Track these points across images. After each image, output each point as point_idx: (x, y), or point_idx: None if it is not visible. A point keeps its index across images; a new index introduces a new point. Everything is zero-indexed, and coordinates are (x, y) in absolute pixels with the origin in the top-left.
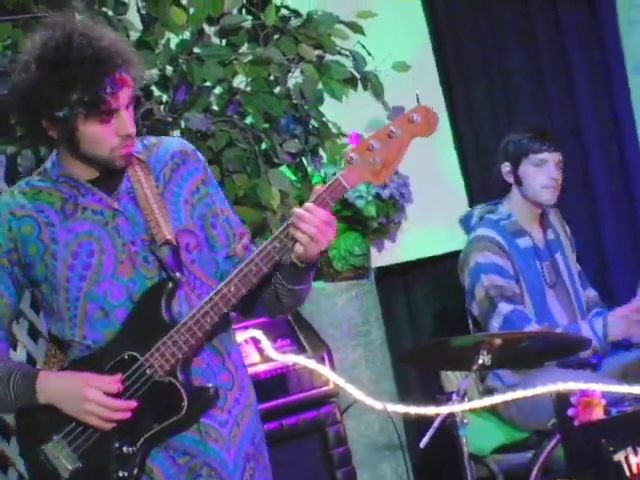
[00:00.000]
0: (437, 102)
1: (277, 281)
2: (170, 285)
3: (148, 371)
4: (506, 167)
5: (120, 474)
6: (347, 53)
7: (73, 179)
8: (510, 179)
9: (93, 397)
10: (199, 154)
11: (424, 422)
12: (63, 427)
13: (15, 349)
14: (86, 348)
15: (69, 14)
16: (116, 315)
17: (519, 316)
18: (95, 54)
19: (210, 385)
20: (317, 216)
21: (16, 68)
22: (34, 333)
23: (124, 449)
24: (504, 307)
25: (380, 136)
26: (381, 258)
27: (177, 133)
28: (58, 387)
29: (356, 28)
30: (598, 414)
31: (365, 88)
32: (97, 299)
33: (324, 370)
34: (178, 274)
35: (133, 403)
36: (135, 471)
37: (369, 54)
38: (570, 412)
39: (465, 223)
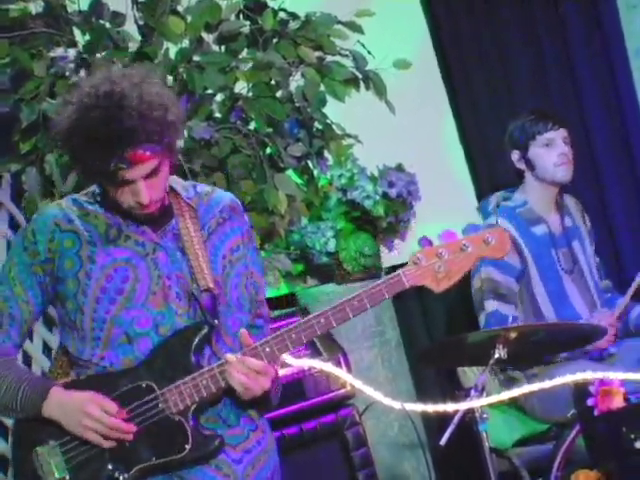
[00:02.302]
0: (440, 99)
1: None
2: (206, 330)
3: (161, 405)
4: (515, 155)
5: None
6: (347, 53)
7: (121, 210)
8: (522, 166)
9: (91, 412)
10: (245, 216)
11: (443, 419)
12: (62, 435)
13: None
14: (101, 369)
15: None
16: (139, 343)
17: (497, 318)
18: (117, 129)
19: (217, 434)
20: (248, 366)
21: (67, 100)
22: (48, 350)
23: (116, 474)
24: (489, 305)
25: (452, 247)
26: (392, 257)
27: (181, 143)
28: (63, 403)
29: (355, 28)
30: (618, 402)
31: (367, 87)
32: (123, 324)
33: (340, 373)
34: (216, 321)
35: (131, 426)
36: None
37: (369, 53)
38: (590, 402)
39: (482, 210)
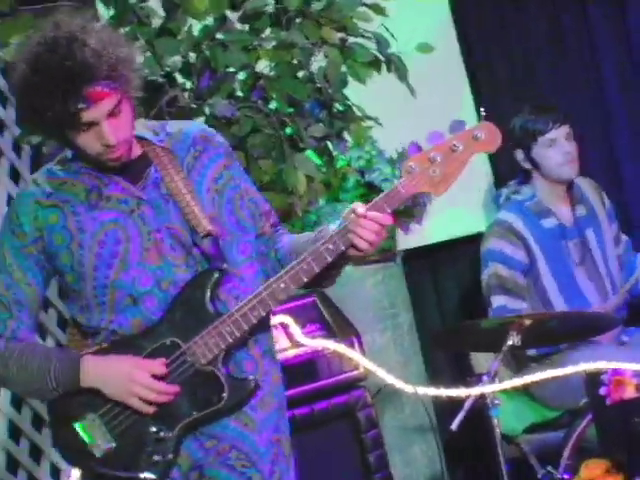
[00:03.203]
0: (461, 83)
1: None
2: (216, 275)
3: (190, 358)
4: (519, 154)
5: (155, 458)
6: (370, 35)
7: (95, 170)
8: (527, 165)
9: (141, 379)
10: (219, 137)
11: (454, 404)
12: (99, 407)
13: (44, 339)
14: (111, 333)
15: (72, 11)
16: (144, 302)
17: (502, 314)
18: (71, 66)
19: (251, 377)
20: (377, 221)
21: (15, 62)
22: (63, 322)
23: (161, 434)
24: (495, 300)
25: (442, 149)
26: (407, 241)
27: (202, 119)
28: (103, 370)
29: (378, 10)
30: (630, 392)
31: (389, 70)
32: (125, 286)
33: (353, 354)
34: (225, 265)
35: (176, 387)
36: (170, 456)
37: (392, 36)
38: (602, 391)
39: (496, 201)
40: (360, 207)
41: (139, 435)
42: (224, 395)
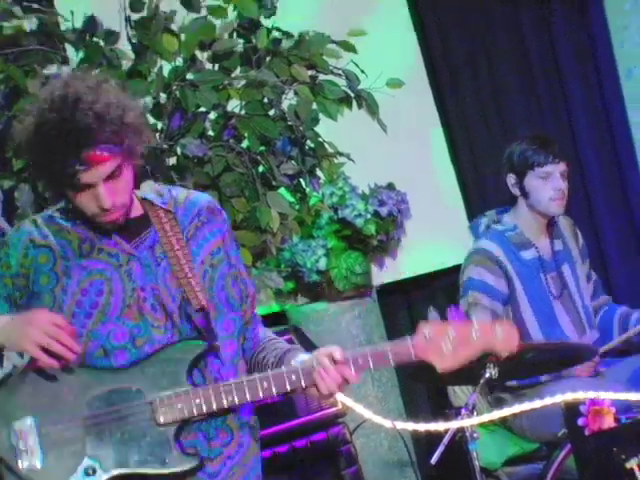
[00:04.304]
0: (431, 117)
1: None
2: (204, 348)
3: (148, 414)
4: (511, 179)
5: None
6: (340, 72)
7: (91, 222)
8: (516, 191)
9: (39, 320)
10: (225, 214)
11: (434, 438)
12: (39, 410)
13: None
14: None
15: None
16: (116, 356)
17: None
18: (73, 129)
19: (197, 455)
20: (344, 376)
21: (22, 115)
22: None
23: (94, 469)
24: (477, 316)
25: (461, 330)
26: (382, 276)
27: (174, 160)
28: (7, 322)
29: (348, 47)
30: (608, 422)
31: (360, 107)
32: (99, 338)
33: None
34: (217, 343)
35: (76, 330)
36: None
37: (362, 72)
38: (580, 421)
39: (474, 230)
40: (338, 353)
41: (70, 461)
42: (167, 461)
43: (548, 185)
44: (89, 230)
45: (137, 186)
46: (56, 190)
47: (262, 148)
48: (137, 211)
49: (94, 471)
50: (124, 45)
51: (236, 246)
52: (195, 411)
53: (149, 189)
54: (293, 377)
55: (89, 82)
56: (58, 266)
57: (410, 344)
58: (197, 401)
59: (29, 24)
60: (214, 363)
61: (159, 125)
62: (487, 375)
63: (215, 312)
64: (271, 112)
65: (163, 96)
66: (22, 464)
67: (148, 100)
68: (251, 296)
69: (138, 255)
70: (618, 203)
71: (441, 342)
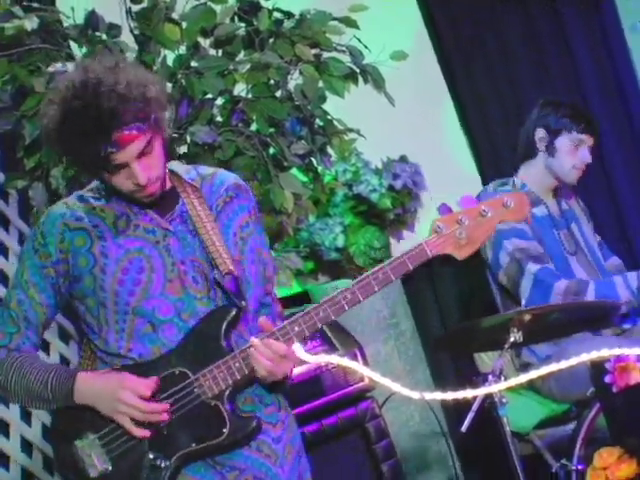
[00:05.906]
0: (439, 88)
1: None
2: (234, 312)
3: (196, 390)
4: (541, 132)
5: None
6: (344, 49)
7: (126, 199)
8: (542, 146)
9: (125, 399)
10: (251, 192)
11: (463, 406)
12: (100, 428)
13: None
14: (129, 361)
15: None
16: (164, 330)
17: (548, 273)
18: (98, 113)
19: (254, 416)
20: (272, 349)
21: (45, 106)
22: (65, 335)
23: (157, 461)
24: (532, 266)
25: (471, 213)
26: (402, 248)
27: (184, 148)
28: (93, 388)
29: (350, 23)
30: (635, 378)
31: (366, 81)
32: (146, 314)
33: (357, 366)
34: (244, 302)
35: (165, 405)
36: None
37: (366, 47)
38: (607, 379)
39: (482, 199)
40: (262, 320)
41: (136, 460)
42: (224, 431)
43: (578, 153)
44: (124, 206)
45: (167, 156)
46: (92, 174)
47: (271, 130)
48: (167, 184)
49: (159, 462)
50: (126, 37)
51: (262, 228)
52: (238, 375)
53: (175, 165)
54: (237, 364)
55: (107, 63)
56: (95, 247)
57: (424, 243)
58: (236, 365)
59: (30, 23)
60: (245, 324)
61: (167, 114)
62: (512, 339)
63: (246, 284)
64: (278, 93)
65: (169, 85)
66: (93, 474)
67: None
68: (268, 278)
69: (174, 230)
70: (632, 157)
71: (454, 231)
